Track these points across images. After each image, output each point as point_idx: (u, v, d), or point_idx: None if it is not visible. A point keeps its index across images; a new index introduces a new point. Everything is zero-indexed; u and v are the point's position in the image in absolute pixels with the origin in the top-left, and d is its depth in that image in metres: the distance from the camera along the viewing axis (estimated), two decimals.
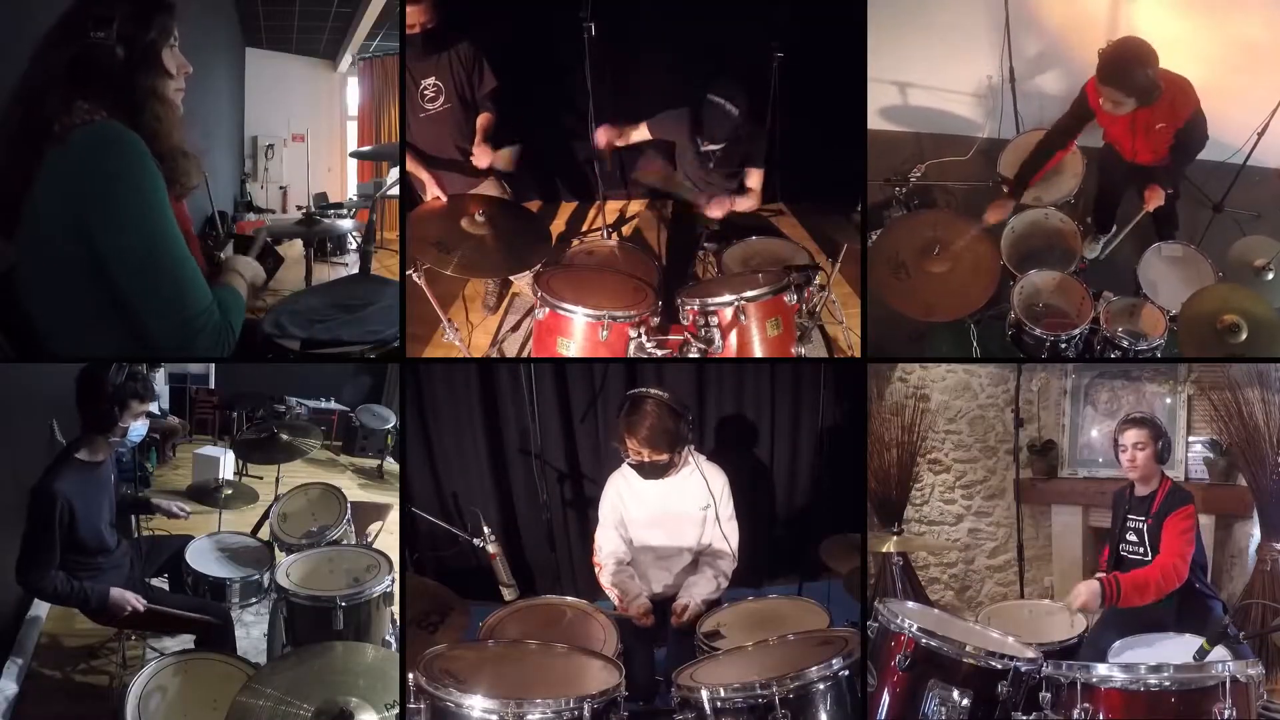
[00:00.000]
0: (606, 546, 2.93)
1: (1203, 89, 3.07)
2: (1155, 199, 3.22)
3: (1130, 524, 2.77)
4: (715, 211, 3.56)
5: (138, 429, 2.69)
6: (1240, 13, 3.61)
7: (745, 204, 3.61)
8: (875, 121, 4.25)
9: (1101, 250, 3.72)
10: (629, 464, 2.88)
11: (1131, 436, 2.73)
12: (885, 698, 2.41)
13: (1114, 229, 3.78)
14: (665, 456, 2.79)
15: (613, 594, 2.86)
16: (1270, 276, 3.19)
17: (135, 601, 2.59)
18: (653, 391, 2.81)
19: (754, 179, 3.61)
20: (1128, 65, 2.96)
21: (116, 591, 2.60)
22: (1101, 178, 3.63)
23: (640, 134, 3.59)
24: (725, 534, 2.90)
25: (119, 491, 2.99)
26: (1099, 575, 2.66)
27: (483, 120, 3.60)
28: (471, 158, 3.56)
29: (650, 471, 2.83)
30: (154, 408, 5.54)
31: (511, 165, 3.55)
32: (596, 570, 2.96)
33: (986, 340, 3.22)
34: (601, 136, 3.55)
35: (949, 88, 4.33)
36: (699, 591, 2.82)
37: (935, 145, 4.26)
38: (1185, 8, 3.38)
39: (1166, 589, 2.59)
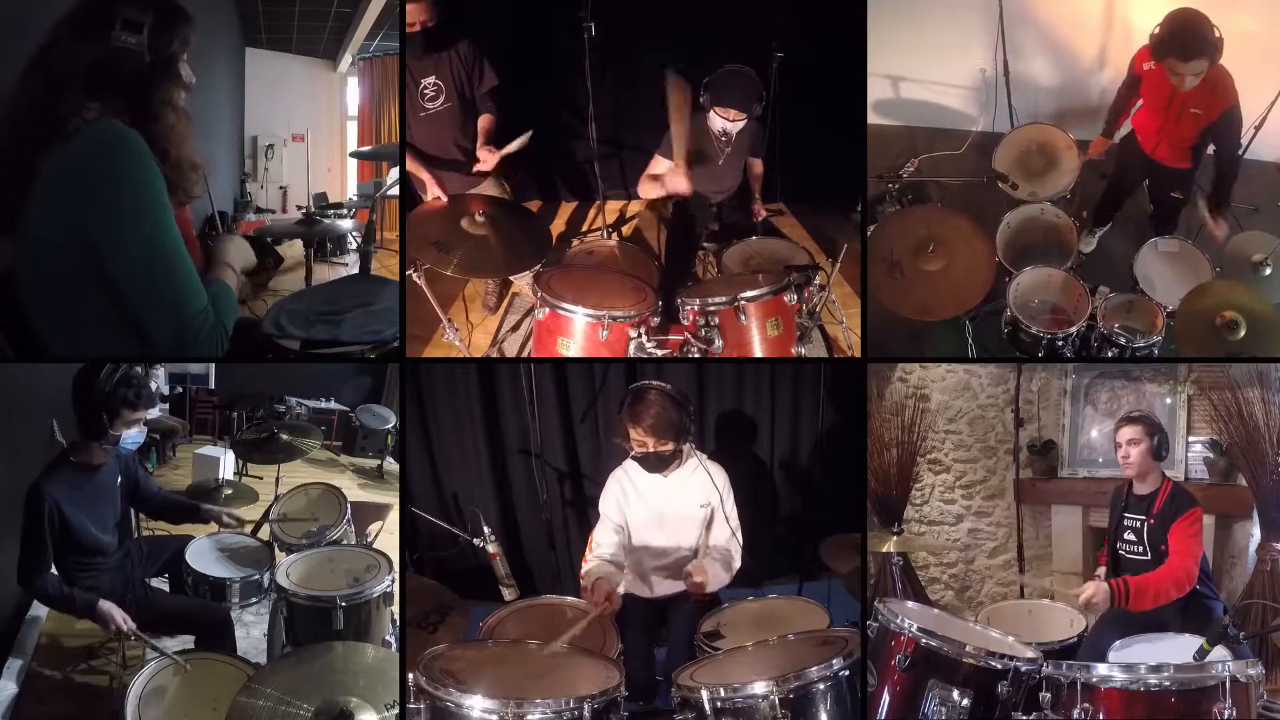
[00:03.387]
0: (603, 545, 2.92)
1: None
2: (1219, 230, 3.31)
3: (1128, 523, 2.76)
4: (762, 213, 3.76)
5: (132, 437, 2.64)
6: (1236, 5, 3.60)
7: (757, 183, 3.78)
8: (868, 116, 4.25)
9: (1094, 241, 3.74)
10: (632, 457, 2.87)
11: (1126, 433, 2.73)
12: (885, 698, 2.41)
13: (1110, 224, 3.79)
14: (670, 446, 2.79)
15: (585, 581, 2.80)
16: (1268, 272, 3.19)
17: (122, 621, 2.56)
18: (655, 383, 2.81)
19: (757, 166, 3.76)
20: (1199, 30, 2.95)
21: (105, 605, 2.56)
22: (1117, 169, 3.63)
23: (660, 165, 3.59)
24: (732, 530, 2.88)
25: (165, 495, 3.02)
26: (1110, 579, 2.64)
27: (484, 123, 3.60)
28: (476, 165, 3.55)
29: (654, 464, 2.83)
30: (155, 412, 5.55)
31: (525, 144, 3.52)
32: (583, 564, 2.95)
33: (982, 337, 3.21)
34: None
35: (942, 81, 4.31)
36: (712, 572, 2.78)
37: (928, 139, 4.24)
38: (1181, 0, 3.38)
39: (1178, 594, 2.58)
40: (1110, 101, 3.63)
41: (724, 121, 3.41)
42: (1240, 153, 3.43)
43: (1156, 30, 3.02)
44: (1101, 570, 2.87)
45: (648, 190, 3.64)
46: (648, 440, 2.77)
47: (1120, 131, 3.59)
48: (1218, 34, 2.95)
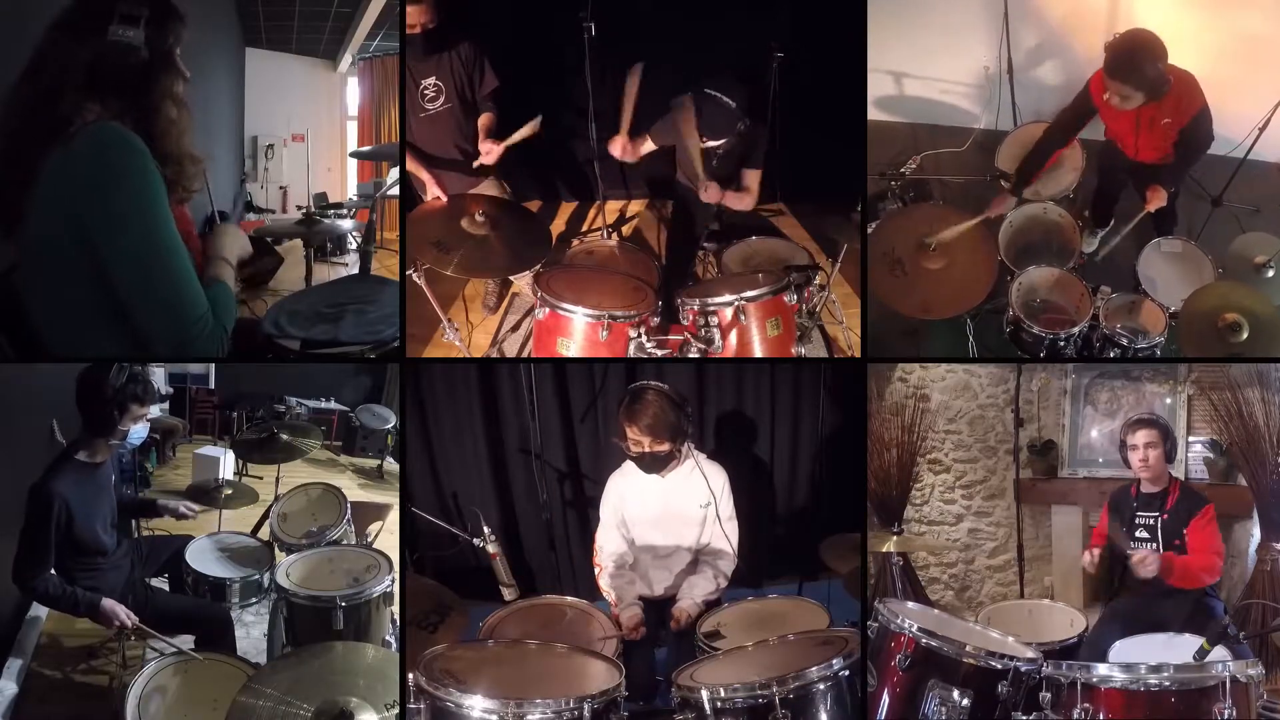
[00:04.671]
0: (608, 547, 2.93)
1: (1203, 82, 3.06)
2: (1157, 200, 3.20)
3: (1140, 520, 2.79)
4: (710, 196, 3.45)
5: (138, 431, 2.67)
6: (1241, 5, 3.60)
7: (741, 202, 3.53)
8: (870, 112, 4.22)
9: (1099, 246, 3.73)
10: (629, 456, 2.87)
11: (1143, 436, 2.77)
12: (885, 698, 2.41)
13: (1112, 224, 3.78)
14: (666, 447, 2.78)
15: (610, 596, 2.86)
16: (1270, 274, 3.18)
17: (125, 617, 2.57)
18: (654, 383, 2.82)
19: (751, 179, 3.54)
20: (1136, 59, 2.93)
21: (108, 602, 2.58)
22: (1101, 173, 3.62)
23: (647, 146, 3.61)
24: (725, 533, 2.89)
25: (122, 495, 2.98)
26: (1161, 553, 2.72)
27: (484, 120, 3.60)
28: (480, 159, 3.54)
29: (651, 464, 2.83)
30: (155, 411, 5.54)
31: (535, 131, 3.50)
32: (596, 571, 2.96)
33: (983, 336, 3.21)
34: (616, 146, 3.52)
35: (945, 78, 4.30)
36: (699, 592, 2.82)
37: (931, 137, 4.22)
38: (1186, 0, 3.37)
39: (1210, 579, 2.71)
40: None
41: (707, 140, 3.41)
42: (1245, 153, 3.43)
43: (1113, 38, 3.02)
44: (1087, 556, 2.87)
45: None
46: (644, 440, 2.77)
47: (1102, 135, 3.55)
48: (1160, 71, 2.92)
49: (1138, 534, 2.79)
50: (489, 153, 3.51)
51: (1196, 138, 3.13)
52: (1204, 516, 2.74)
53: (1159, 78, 2.94)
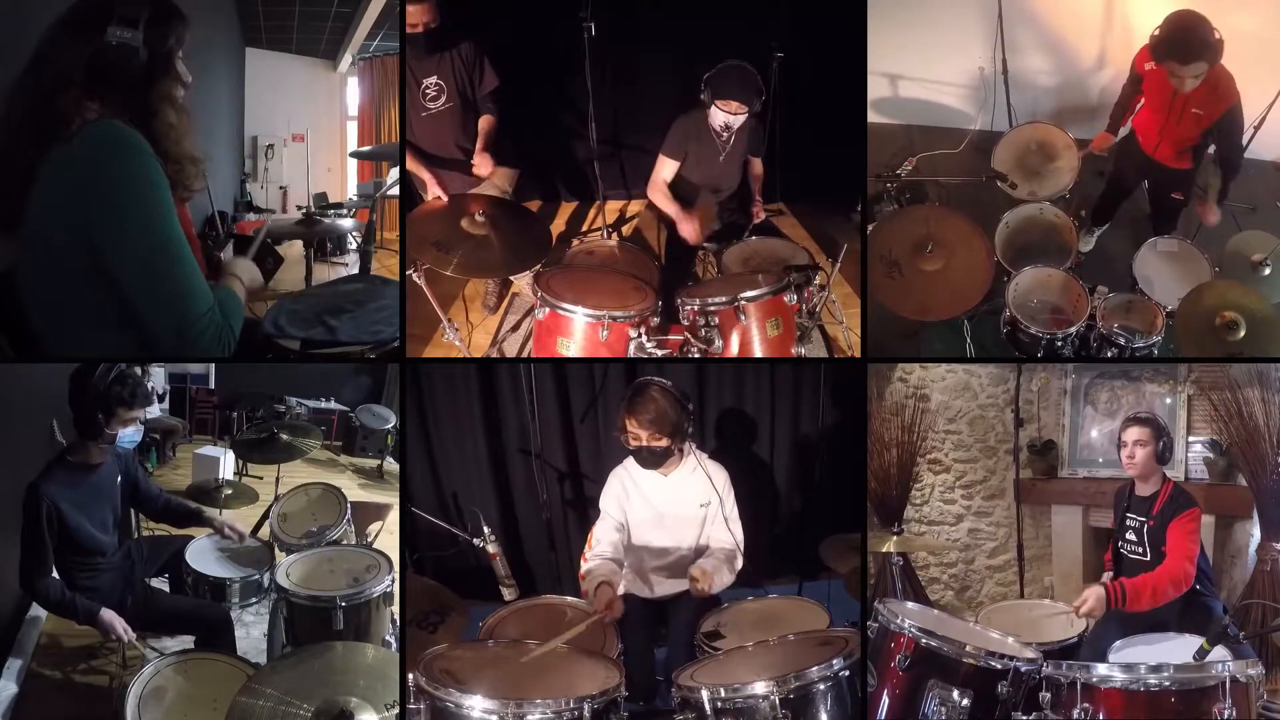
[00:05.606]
0: (603, 543, 2.92)
1: None
2: (1211, 216, 3.34)
3: (1129, 523, 2.77)
4: (761, 214, 3.79)
5: (129, 435, 2.64)
6: (1234, 5, 3.60)
7: (757, 182, 3.85)
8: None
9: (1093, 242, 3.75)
10: (626, 449, 2.86)
11: (1133, 434, 2.75)
12: (885, 698, 2.41)
13: (1109, 224, 3.79)
14: (664, 443, 2.78)
15: (586, 585, 2.77)
16: (1267, 272, 3.19)
17: (123, 631, 2.57)
18: (657, 379, 2.82)
19: (757, 166, 3.81)
20: (1195, 35, 2.96)
21: (106, 614, 2.57)
22: (1116, 169, 3.63)
23: (668, 169, 3.62)
24: (733, 531, 2.88)
25: (168, 501, 3.03)
26: (1104, 581, 2.65)
27: (484, 124, 3.60)
28: (473, 166, 3.56)
29: (649, 459, 2.82)
30: (154, 412, 5.54)
31: (509, 186, 3.57)
32: (582, 562, 2.94)
33: (980, 337, 3.21)
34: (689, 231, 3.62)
35: (940, 79, 4.30)
36: (715, 572, 2.76)
37: (926, 138, 4.22)
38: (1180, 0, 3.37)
39: (1175, 593, 2.58)
40: (1111, 99, 3.63)
41: (726, 115, 3.42)
42: (1242, 152, 3.43)
43: (1157, 32, 3.03)
44: (1108, 576, 2.87)
45: (657, 199, 3.68)
46: (642, 433, 2.77)
47: (1122, 130, 3.59)
48: (1217, 35, 2.95)
49: (1127, 537, 2.78)
50: (481, 164, 3.53)
51: (1226, 140, 3.20)
52: (1185, 518, 2.63)
53: (1218, 42, 2.97)
